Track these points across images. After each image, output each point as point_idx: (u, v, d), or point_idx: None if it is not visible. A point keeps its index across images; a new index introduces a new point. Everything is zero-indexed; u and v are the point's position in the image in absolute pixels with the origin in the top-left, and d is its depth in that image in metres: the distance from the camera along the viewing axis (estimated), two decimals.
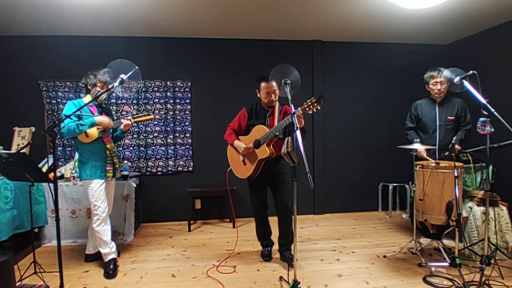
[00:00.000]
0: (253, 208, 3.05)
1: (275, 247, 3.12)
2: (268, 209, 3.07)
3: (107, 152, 2.84)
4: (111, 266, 2.79)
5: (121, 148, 4.20)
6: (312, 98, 2.38)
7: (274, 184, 2.91)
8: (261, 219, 3.08)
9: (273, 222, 3.07)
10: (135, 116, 2.93)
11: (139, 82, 2.86)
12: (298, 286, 2.23)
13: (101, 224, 2.78)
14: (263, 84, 2.83)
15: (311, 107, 2.38)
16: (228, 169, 3.06)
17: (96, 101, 2.79)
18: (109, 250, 2.82)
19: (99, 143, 2.82)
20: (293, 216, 2.78)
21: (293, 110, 2.31)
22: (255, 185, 2.98)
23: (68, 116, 2.40)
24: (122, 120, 2.83)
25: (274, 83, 2.80)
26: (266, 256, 3.06)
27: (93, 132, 2.75)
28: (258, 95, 2.91)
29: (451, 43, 4.69)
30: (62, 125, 2.61)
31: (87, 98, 2.80)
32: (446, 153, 2.80)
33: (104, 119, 2.76)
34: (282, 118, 2.82)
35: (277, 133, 2.60)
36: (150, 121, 2.83)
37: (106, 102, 2.96)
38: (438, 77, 3.18)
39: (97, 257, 2.97)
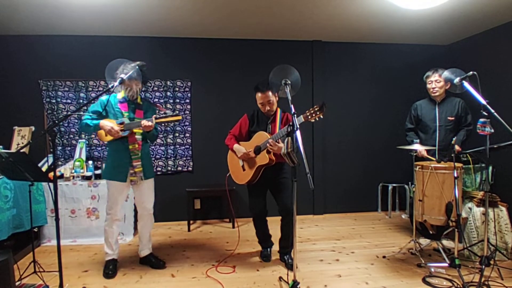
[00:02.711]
0: (252, 214, 3.01)
1: (275, 247, 3.11)
2: (268, 210, 3.04)
3: (130, 153, 2.69)
4: (111, 266, 2.79)
5: None
6: (315, 106, 2.35)
7: (275, 187, 2.88)
8: (260, 224, 3.04)
9: (273, 222, 3.07)
10: (160, 116, 2.60)
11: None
12: (298, 286, 2.23)
13: (110, 226, 2.77)
14: (258, 95, 2.80)
15: (314, 115, 2.35)
16: (227, 174, 3.05)
17: (128, 97, 2.71)
18: (111, 252, 2.83)
19: (122, 142, 2.68)
20: (286, 214, 2.76)
21: (293, 110, 2.28)
22: (254, 190, 2.95)
23: (74, 112, 2.37)
24: (142, 121, 2.57)
25: (269, 93, 2.74)
26: (266, 257, 3.05)
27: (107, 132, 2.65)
28: (260, 107, 2.89)
29: (451, 44, 4.69)
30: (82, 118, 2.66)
31: (120, 94, 2.74)
32: (446, 159, 2.79)
33: (106, 124, 2.57)
34: (284, 125, 2.79)
35: (277, 140, 2.58)
36: (178, 123, 2.55)
37: (140, 97, 2.78)
38: (433, 76, 3.19)
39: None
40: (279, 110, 2.89)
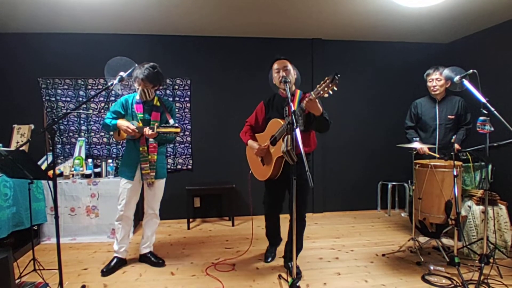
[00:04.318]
0: (265, 207, 2.86)
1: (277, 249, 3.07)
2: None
3: (139, 154, 2.75)
4: (111, 264, 2.79)
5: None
6: (326, 78, 2.06)
7: (296, 188, 2.56)
8: (272, 219, 2.91)
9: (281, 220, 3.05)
10: (161, 126, 2.64)
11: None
12: (297, 284, 2.23)
13: (118, 221, 2.82)
14: (275, 64, 2.59)
15: (326, 89, 2.07)
16: (250, 172, 2.85)
17: (142, 98, 2.74)
18: (117, 249, 2.84)
19: (134, 143, 2.77)
20: (298, 220, 2.50)
21: (293, 108, 2.24)
22: (273, 184, 2.73)
23: (74, 110, 2.39)
24: (145, 128, 2.62)
25: (287, 62, 2.57)
26: (268, 257, 2.95)
27: (123, 132, 2.71)
28: (274, 81, 2.65)
29: (451, 42, 4.68)
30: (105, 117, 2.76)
31: (139, 96, 2.78)
32: (447, 157, 2.76)
33: (122, 123, 2.65)
34: None
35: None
36: (177, 134, 2.64)
37: (159, 98, 2.81)
38: (433, 74, 3.19)
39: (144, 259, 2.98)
40: (298, 91, 2.60)
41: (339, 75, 2.01)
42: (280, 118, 2.56)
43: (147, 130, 2.60)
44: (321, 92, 2.10)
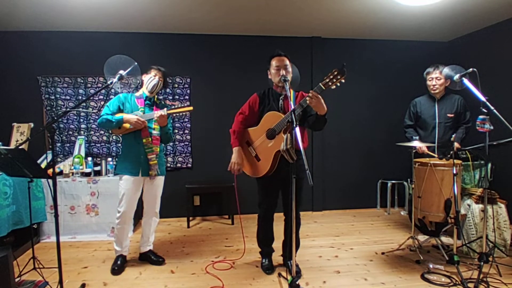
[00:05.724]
0: (261, 209, 2.71)
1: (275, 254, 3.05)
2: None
3: (144, 146, 2.71)
4: (119, 262, 2.78)
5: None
6: (334, 70, 2.04)
7: (289, 188, 2.39)
8: (267, 222, 2.73)
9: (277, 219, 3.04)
10: (172, 108, 2.57)
11: (138, 78, 2.82)
12: (297, 282, 2.24)
13: (120, 224, 2.75)
14: (273, 60, 2.54)
15: (334, 81, 2.05)
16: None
17: (153, 88, 2.76)
18: (120, 249, 2.82)
19: (135, 137, 2.72)
20: (295, 219, 2.46)
21: (293, 106, 2.25)
22: (267, 184, 2.62)
23: (73, 108, 2.38)
24: (155, 112, 2.59)
25: (286, 59, 2.53)
26: (268, 269, 2.71)
27: (126, 124, 2.68)
28: (270, 76, 2.61)
29: (452, 40, 4.68)
30: (101, 114, 2.71)
31: (139, 92, 2.82)
32: (448, 156, 2.73)
33: (131, 117, 2.61)
34: (298, 102, 2.41)
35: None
36: (188, 113, 2.64)
37: (159, 95, 2.86)
38: (433, 72, 3.18)
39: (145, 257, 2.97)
40: (291, 90, 2.56)
41: (346, 67, 2.02)
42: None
43: (160, 112, 2.63)
44: (329, 84, 2.10)
